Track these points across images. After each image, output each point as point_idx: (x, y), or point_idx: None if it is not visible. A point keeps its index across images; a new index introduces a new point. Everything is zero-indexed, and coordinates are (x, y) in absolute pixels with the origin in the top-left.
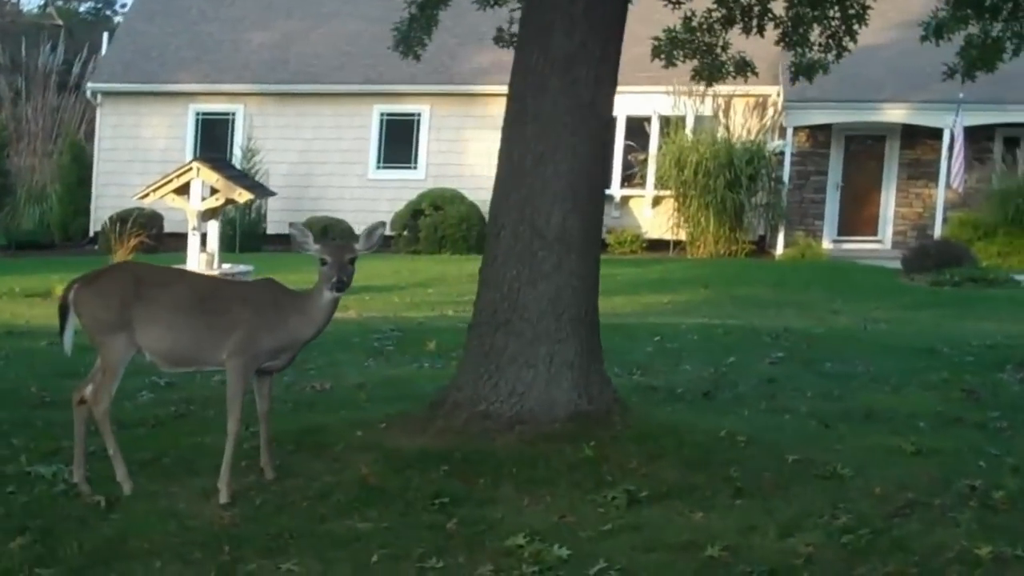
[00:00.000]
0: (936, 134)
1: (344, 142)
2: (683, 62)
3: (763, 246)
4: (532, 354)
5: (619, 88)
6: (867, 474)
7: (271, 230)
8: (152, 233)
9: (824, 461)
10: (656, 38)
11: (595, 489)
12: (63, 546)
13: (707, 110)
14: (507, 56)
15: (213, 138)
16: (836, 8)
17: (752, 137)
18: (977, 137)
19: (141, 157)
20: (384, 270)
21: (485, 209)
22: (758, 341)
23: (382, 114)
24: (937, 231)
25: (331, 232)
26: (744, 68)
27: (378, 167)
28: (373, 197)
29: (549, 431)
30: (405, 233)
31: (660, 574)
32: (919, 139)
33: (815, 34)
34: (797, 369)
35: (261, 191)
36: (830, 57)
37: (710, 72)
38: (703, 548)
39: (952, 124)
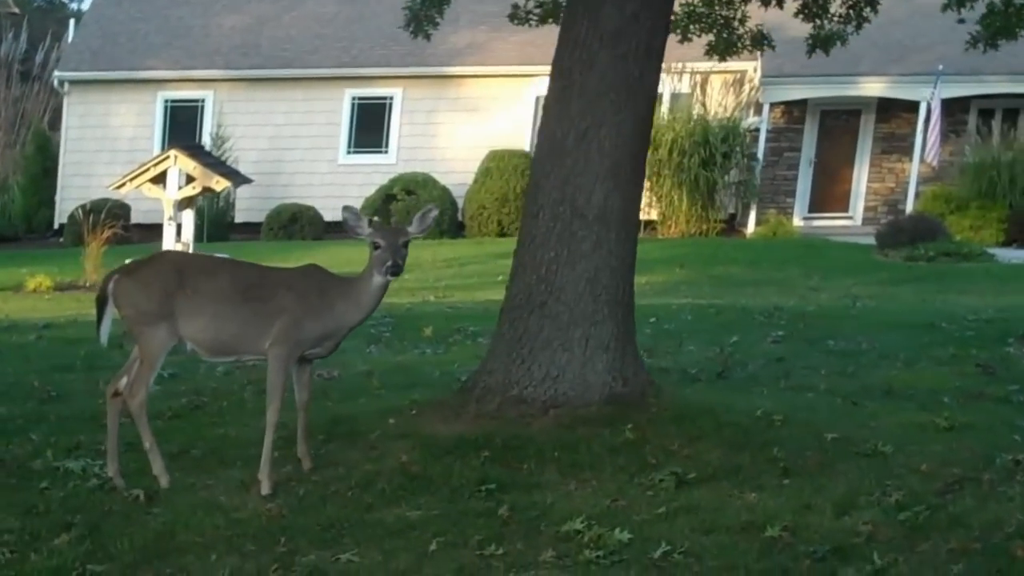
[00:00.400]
0: (912, 107)
1: (315, 127)
2: (699, 36)
3: (734, 224)
4: (568, 337)
5: None
6: (907, 451)
7: (239, 219)
8: (119, 224)
9: (862, 439)
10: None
11: (641, 472)
12: (112, 542)
13: (684, 87)
14: (483, 37)
15: (182, 126)
16: None
17: (728, 114)
18: (952, 110)
19: (109, 147)
20: (357, 257)
21: (458, 193)
22: (752, 320)
23: (354, 98)
24: (909, 206)
25: (300, 220)
26: (761, 42)
27: (349, 152)
28: (343, 183)
29: (585, 414)
30: (376, 219)
31: (724, 556)
32: (894, 113)
33: (836, 4)
34: (802, 347)
35: (238, 178)
36: (850, 28)
37: (725, 46)
38: (762, 529)
39: (930, 97)
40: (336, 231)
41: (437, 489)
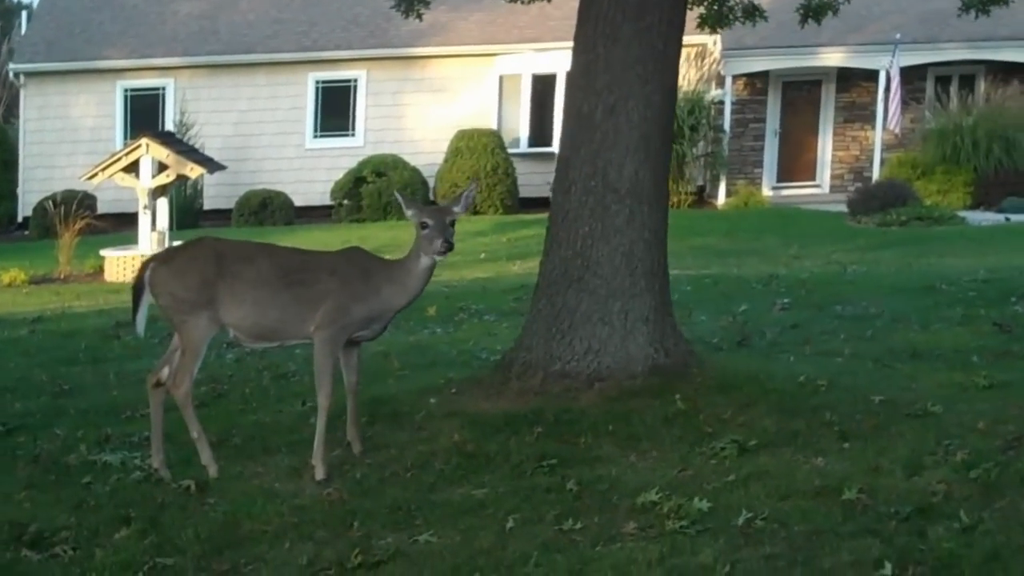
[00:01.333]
0: (871, 76)
1: (280, 112)
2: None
3: (703, 196)
4: (606, 310)
5: (560, 44)
6: (957, 411)
7: (208, 206)
8: (89, 215)
9: (909, 401)
10: None
11: (699, 441)
12: (176, 534)
13: None
14: (444, 17)
15: (144, 114)
16: None
17: (692, 87)
18: (910, 78)
19: (70, 138)
20: (333, 240)
21: (427, 174)
22: (751, 289)
23: (317, 82)
24: (875, 173)
25: (271, 205)
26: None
27: (315, 136)
28: (311, 167)
29: (630, 387)
30: (346, 202)
31: (808, 520)
32: (854, 82)
33: None
34: (812, 313)
35: (212, 165)
36: None
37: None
38: (838, 492)
39: (889, 65)
40: (307, 216)
41: (497, 467)
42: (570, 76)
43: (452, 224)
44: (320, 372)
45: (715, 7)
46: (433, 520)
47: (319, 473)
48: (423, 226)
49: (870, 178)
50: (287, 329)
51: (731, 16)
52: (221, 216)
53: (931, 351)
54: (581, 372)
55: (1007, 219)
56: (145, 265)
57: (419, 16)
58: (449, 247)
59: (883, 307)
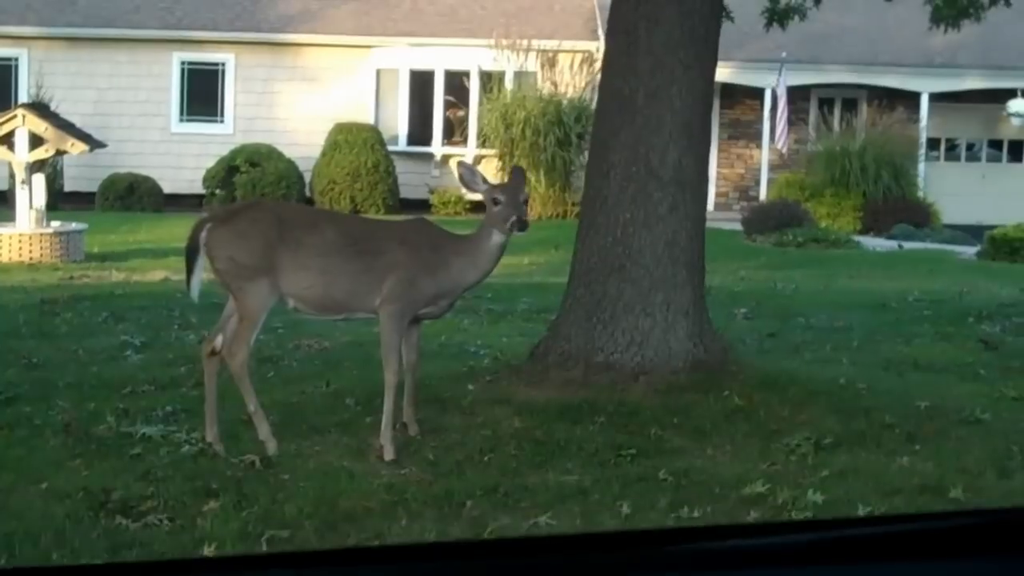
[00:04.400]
0: (756, 94)
1: (143, 92)
2: None
3: None
4: (649, 301)
5: (436, 40)
6: (1004, 418)
7: (68, 187)
8: None
9: (953, 408)
10: None
11: (770, 437)
12: (279, 509)
13: (531, 65)
14: (314, 4)
15: None
16: None
17: (579, 94)
18: (794, 98)
19: None
20: None
21: (304, 167)
22: None
23: (183, 63)
24: (762, 192)
25: (138, 190)
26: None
27: (181, 120)
28: (178, 152)
29: (675, 381)
30: (219, 191)
31: None
32: (738, 99)
33: None
34: (779, 324)
35: (92, 142)
36: (809, 2)
37: None
38: (944, 490)
39: (775, 83)
40: (176, 203)
41: (572, 455)
42: (607, 55)
43: (525, 202)
44: (387, 349)
45: None
46: (541, 503)
47: (388, 453)
48: (495, 202)
49: (756, 197)
50: (353, 301)
51: None
52: (84, 199)
53: (931, 364)
54: (625, 364)
55: (900, 246)
56: (200, 225)
57: None
58: (524, 225)
59: (848, 321)
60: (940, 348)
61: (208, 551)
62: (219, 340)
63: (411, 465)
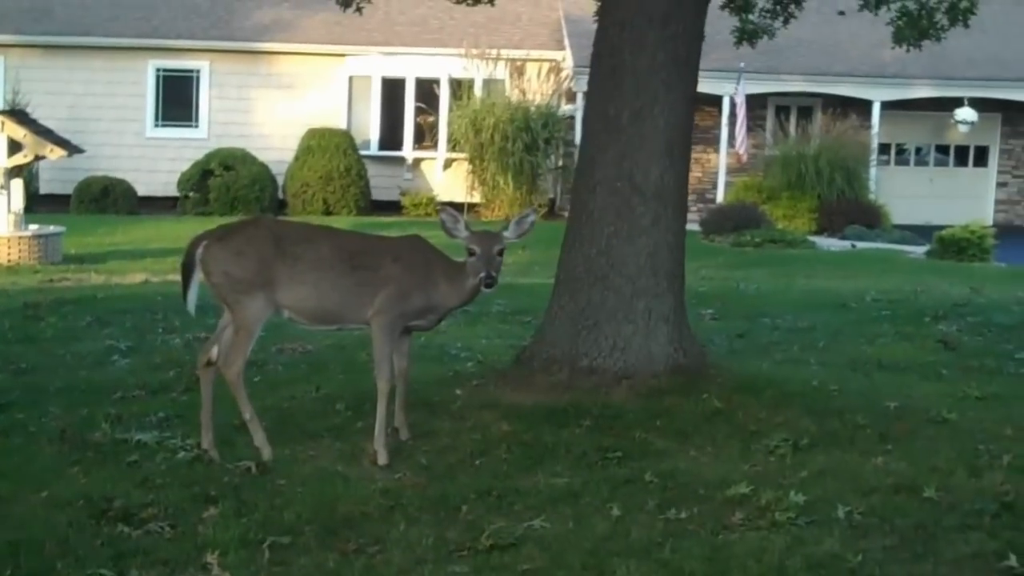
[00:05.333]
0: (715, 101)
1: (119, 98)
2: None
3: (554, 209)
4: (631, 309)
5: (408, 49)
6: (969, 417)
7: (44, 190)
8: None
9: (921, 408)
10: None
11: (749, 438)
12: (277, 514)
13: (500, 73)
14: (288, 14)
15: None
16: None
17: (546, 101)
18: (751, 105)
19: None
20: (183, 232)
21: (277, 170)
22: None
23: (158, 70)
24: (719, 196)
25: (113, 193)
26: None
27: (156, 125)
28: (153, 156)
29: (656, 385)
30: (193, 194)
31: (906, 514)
32: (697, 106)
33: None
34: (746, 324)
35: (71, 147)
36: (777, 24)
37: None
38: (918, 489)
39: (734, 92)
40: (149, 206)
41: (561, 458)
42: (591, 79)
43: (500, 253)
44: (379, 358)
45: None
46: (534, 506)
47: (382, 458)
48: (470, 253)
49: (713, 200)
50: (347, 313)
51: None
52: (59, 202)
53: (895, 364)
54: (608, 368)
55: (853, 246)
56: (196, 243)
57: (359, 10)
58: (491, 282)
59: (812, 321)
60: (902, 348)
61: (211, 558)
62: (215, 351)
63: (405, 469)
